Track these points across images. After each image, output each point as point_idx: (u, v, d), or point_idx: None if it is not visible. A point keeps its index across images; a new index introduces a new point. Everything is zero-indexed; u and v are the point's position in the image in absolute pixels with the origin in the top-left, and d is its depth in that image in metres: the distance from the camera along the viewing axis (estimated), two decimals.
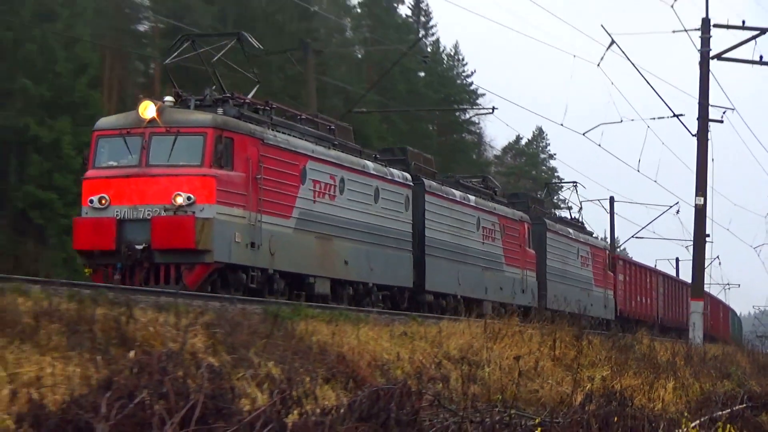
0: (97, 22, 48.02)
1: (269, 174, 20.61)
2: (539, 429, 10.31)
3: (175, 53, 23.20)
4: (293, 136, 22.36)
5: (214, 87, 21.99)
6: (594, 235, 49.06)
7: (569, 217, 42.79)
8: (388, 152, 29.71)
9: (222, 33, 25.05)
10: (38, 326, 11.18)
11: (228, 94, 21.39)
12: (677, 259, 71.37)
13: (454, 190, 29.26)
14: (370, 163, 25.20)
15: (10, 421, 7.00)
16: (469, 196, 30.07)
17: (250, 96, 22.48)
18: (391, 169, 26.55)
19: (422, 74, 72.09)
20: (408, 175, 26.85)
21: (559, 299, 32.25)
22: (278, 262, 20.79)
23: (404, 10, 77.66)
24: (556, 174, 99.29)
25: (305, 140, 22.66)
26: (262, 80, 27.58)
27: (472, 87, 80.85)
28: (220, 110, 20.20)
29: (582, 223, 42.10)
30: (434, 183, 28.04)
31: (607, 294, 40.64)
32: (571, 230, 38.75)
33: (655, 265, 64.57)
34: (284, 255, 20.99)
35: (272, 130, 21.51)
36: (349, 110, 42.20)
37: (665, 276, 54.49)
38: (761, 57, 29.00)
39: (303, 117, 25.18)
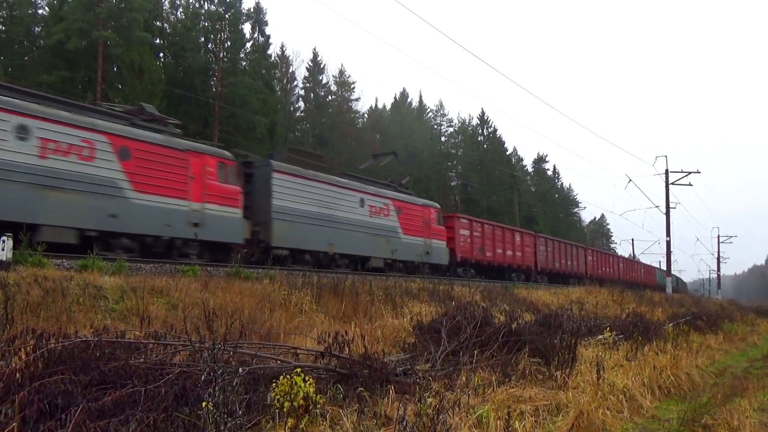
0: None
1: None
2: (609, 327, 13.90)
3: None
4: None
5: None
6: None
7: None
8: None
9: None
10: (419, 293, 15.97)
11: None
12: (659, 261, 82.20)
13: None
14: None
15: (409, 327, 11.33)
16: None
17: None
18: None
19: (557, 195, 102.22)
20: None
21: (300, 235, 21.71)
22: None
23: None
24: (610, 232, 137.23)
25: None
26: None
27: (579, 199, 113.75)
28: None
29: (405, 189, 30.07)
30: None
31: (431, 242, 28.77)
32: (346, 181, 24.57)
33: (659, 264, 77.45)
34: None
35: None
36: (530, 210, 75.06)
37: (547, 238, 44.06)
38: (690, 183, 46.12)
39: None
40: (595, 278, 42.60)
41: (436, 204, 31.27)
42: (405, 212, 27.34)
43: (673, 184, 45.83)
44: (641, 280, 62.72)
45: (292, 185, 21.58)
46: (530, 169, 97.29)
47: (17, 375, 4.88)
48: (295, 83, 64.71)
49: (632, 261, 69.16)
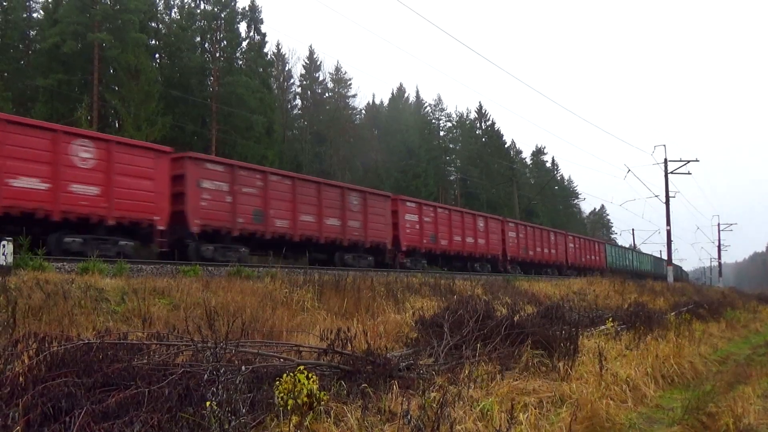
0: None
1: None
2: (611, 317, 13.71)
3: None
4: None
5: None
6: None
7: None
8: None
9: None
10: (420, 288, 15.94)
11: None
12: (660, 251, 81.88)
13: None
14: None
15: (411, 322, 11.04)
16: None
17: None
18: None
19: (557, 187, 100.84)
20: None
21: None
22: None
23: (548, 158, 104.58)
24: (610, 223, 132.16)
25: None
26: None
27: (578, 191, 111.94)
28: None
29: None
30: None
31: None
32: None
33: (659, 254, 75.92)
34: None
35: None
36: (528, 204, 75.07)
37: (424, 204, 29.14)
38: (689, 171, 47.15)
39: None
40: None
41: None
42: None
43: (672, 173, 45.80)
44: (554, 261, 42.20)
45: None
46: (529, 162, 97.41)
47: (21, 379, 4.89)
48: (292, 81, 64.97)
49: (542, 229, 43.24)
